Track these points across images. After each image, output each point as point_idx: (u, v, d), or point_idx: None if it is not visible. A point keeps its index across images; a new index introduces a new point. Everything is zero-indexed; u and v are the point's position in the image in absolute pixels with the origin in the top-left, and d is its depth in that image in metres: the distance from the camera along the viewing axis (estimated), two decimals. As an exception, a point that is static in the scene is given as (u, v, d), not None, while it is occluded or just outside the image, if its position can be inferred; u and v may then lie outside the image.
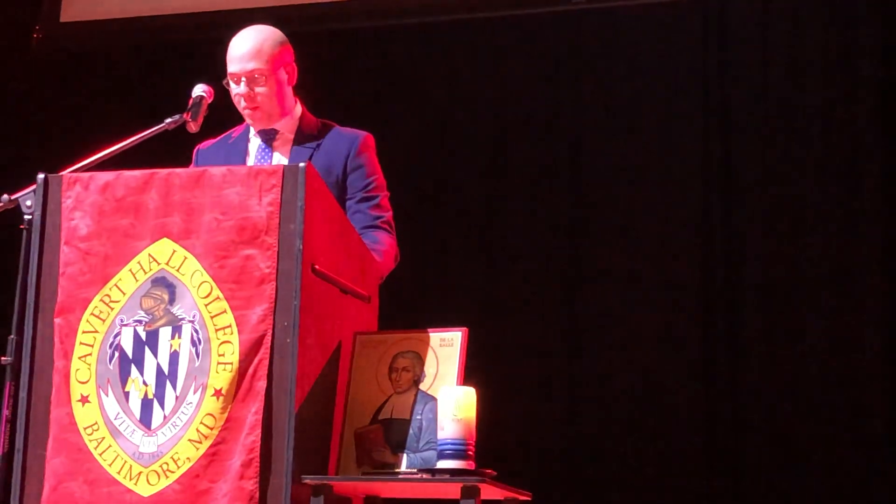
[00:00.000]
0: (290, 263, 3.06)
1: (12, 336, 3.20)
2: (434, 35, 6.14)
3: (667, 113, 5.73)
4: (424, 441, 3.08)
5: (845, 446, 5.20)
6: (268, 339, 3.04)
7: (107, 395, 3.11)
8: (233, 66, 3.79)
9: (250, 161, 3.85)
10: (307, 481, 3.01)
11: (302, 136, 3.86)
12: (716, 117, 5.64)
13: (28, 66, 6.64)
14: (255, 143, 3.89)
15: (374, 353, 3.21)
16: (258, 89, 3.78)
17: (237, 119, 3.96)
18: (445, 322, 3.26)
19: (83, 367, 3.13)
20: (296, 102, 3.91)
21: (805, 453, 5.26)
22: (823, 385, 5.29)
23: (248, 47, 3.79)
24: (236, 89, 3.80)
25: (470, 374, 3.14)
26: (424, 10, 6.14)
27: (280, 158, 3.83)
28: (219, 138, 3.96)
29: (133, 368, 3.11)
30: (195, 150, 3.95)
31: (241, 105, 3.82)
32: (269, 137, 3.87)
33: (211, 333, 3.06)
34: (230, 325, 3.06)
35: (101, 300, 3.16)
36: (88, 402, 3.12)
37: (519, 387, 5.58)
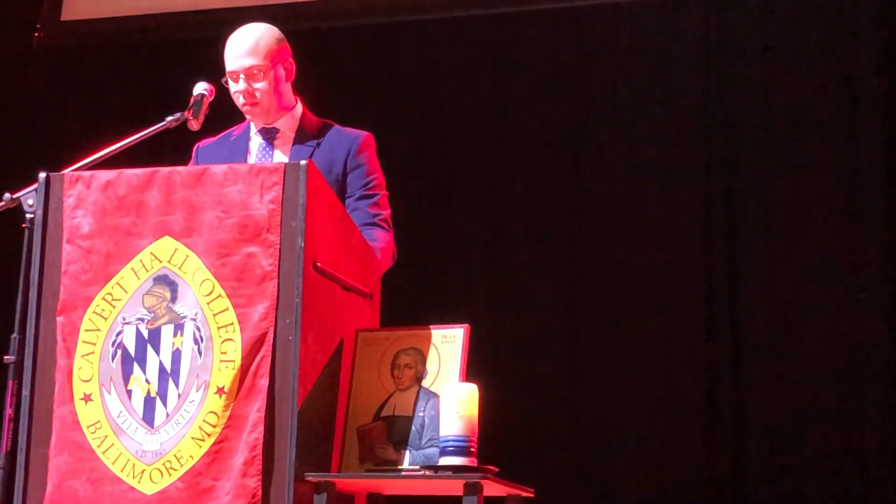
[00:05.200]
0: (292, 261, 3.06)
1: (15, 334, 3.21)
2: (434, 32, 6.14)
3: (668, 109, 5.72)
4: (427, 438, 3.08)
5: (849, 453, 5.21)
6: (270, 336, 3.04)
7: (109, 394, 3.12)
8: (231, 63, 3.80)
9: (251, 159, 3.86)
10: (310, 479, 3.01)
11: (303, 135, 3.87)
12: (717, 113, 5.64)
13: (29, 65, 6.64)
14: (256, 141, 3.90)
15: (376, 351, 3.21)
16: (256, 85, 3.79)
17: (238, 117, 3.96)
18: (447, 319, 3.27)
19: (86, 366, 3.14)
20: (296, 101, 3.91)
21: (808, 455, 5.26)
22: (826, 386, 5.29)
23: (245, 44, 3.80)
24: (235, 87, 3.81)
25: (472, 370, 3.14)
26: (424, 7, 6.13)
27: (281, 156, 3.84)
28: (219, 136, 3.96)
29: (135, 366, 3.11)
30: (195, 148, 3.96)
31: (240, 102, 3.83)
32: (270, 136, 3.88)
33: (213, 331, 3.07)
34: (232, 323, 3.06)
35: (104, 298, 3.16)
36: (91, 400, 3.12)
37: (521, 383, 5.58)
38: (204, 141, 3.94)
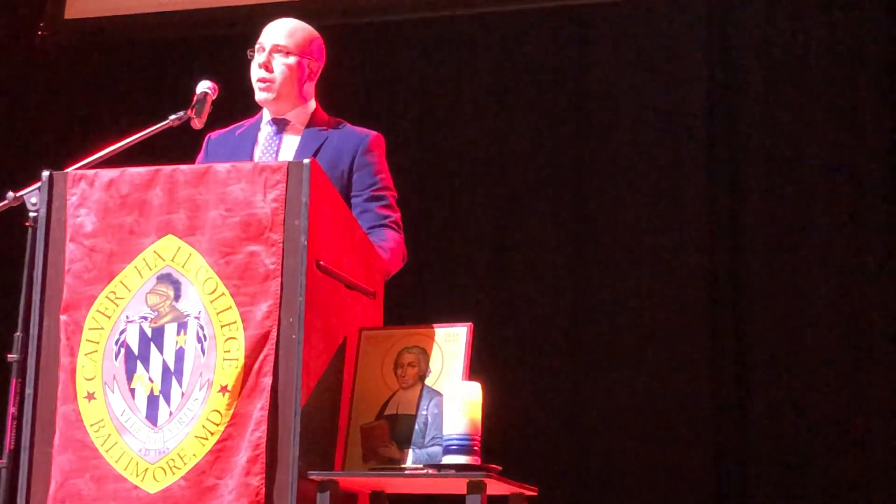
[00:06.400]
0: (295, 259, 3.06)
1: (18, 333, 3.21)
2: (436, 31, 6.13)
3: (671, 106, 5.72)
4: (430, 436, 3.08)
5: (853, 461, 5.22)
6: (273, 335, 3.04)
7: (113, 392, 3.12)
8: (263, 37, 3.85)
9: (258, 148, 3.85)
10: (313, 477, 3.01)
11: (312, 129, 3.87)
12: (721, 111, 5.64)
13: (32, 64, 6.64)
14: (265, 130, 3.89)
15: (379, 349, 3.21)
16: (278, 60, 3.81)
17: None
18: (451, 317, 3.26)
19: (89, 364, 3.14)
20: (312, 97, 3.92)
21: (809, 443, 5.27)
22: (828, 386, 5.28)
23: (283, 27, 3.87)
24: (257, 58, 3.82)
25: (476, 369, 3.14)
26: (427, 5, 6.13)
27: (288, 146, 3.83)
28: (230, 127, 3.96)
29: (139, 365, 3.11)
30: (206, 138, 3.95)
31: (257, 75, 3.82)
32: (279, 126, 3.87)
33: (216, 330, 3.07)
34: (235, 322, 3.06)
35: (107, 297, 3.16)
36: (94, 398, 3.12)
37: (525, 382, 5.58)
38: (215, 131, 3.94)
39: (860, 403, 5.24)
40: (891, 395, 5.20)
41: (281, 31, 3.85)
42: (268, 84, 3.82)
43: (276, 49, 3.82)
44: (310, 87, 3.89)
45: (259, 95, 3.85)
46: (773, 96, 5.57)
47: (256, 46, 3.84)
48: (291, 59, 3.82)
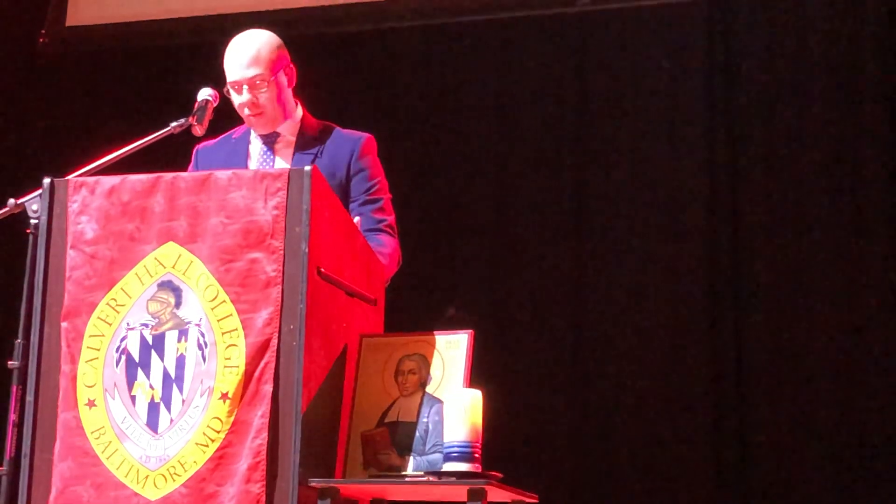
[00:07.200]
0: (296, 267, 3.06)
1: (19, 340, 3.21)
2: (439, 37, 6.14)
3: (672, 113, 5.72)
4: (431, 444, 3.08)
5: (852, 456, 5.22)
6: (274, 342, 3.04)
7: (113, 399, 3.12)
8: (233, 74, 3.79)
9: (252, 164, 3.85)
10: (314, 484, 3.01)
11: (304, 140, 3.86)
12: (721, 117, 5.64)
13: (34, 70, 6.65)
14: (256, 145, 3.89)
15: (380, 356, 3.21)
16: (260, 95, 3.78)
17: (238, 120, 3.95)
18: (452, 324, 3.26)
19: (90, 371, 3.14)
20: (296, 104, 3.91)
21: (809, 448, 5.27)
22: (828, 385, 5.29)
23: (246, 54, 3.79)
24: (238, 98, 3.80)
25: (476, 376, 3.14)
26: (428, 12, 6.14)
27: (282, 163, 3.83)
28: (219, 138, 3.96)
29: (140, 372, 3.11)
30: (194, 150, 3.95)
31: (244, 113, 3.82)
32: (270, 140, 3.87)
33: (217, 337, 3.07)
34: (236, 329, 3.06)
35: (108, 304, 3.16)
36: (95, 405, 3.12)
37: (526, 389, 5.58)
38: (203, 143, 3.94)
39: (861, 403, 5.25)
40: (892, 394, 5.20)
41: (246, 62, 3.77)
42: (258, 116, 3.81)
43: (252, 84, 3.77)
44: (290, 94, 3.88)
45: (251, 126, 3.86)
46: (774, 97, 5.58)
47: (230, 84, 3.79)
48: (271, 86, 3.79)
